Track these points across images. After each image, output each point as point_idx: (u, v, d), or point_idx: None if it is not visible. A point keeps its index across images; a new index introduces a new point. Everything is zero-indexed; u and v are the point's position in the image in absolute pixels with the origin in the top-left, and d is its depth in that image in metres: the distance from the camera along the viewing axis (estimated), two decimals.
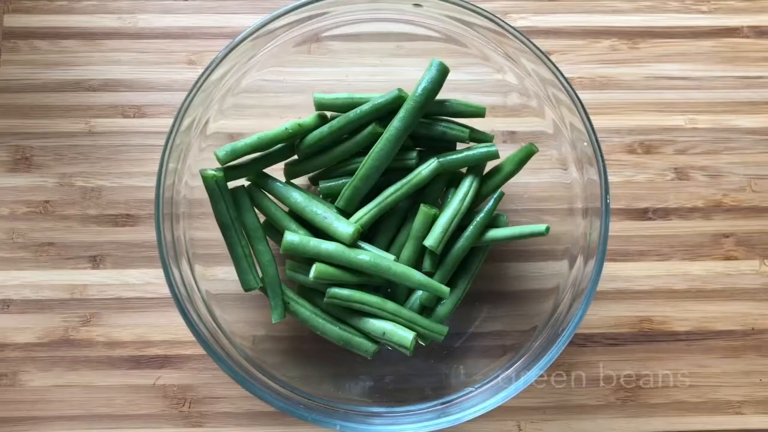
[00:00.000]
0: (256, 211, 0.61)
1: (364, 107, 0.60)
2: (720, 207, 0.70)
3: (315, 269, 0.58)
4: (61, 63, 0.71)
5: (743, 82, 0.72)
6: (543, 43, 0.71)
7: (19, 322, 0.67)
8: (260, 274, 0.60)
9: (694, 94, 0.72)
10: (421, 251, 0.61)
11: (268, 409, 0.66)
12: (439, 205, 0.63)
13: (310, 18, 0.60)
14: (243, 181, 0.62)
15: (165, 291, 0.66)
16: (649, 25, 0.73)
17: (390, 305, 0.60)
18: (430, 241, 0.59)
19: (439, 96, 0.60)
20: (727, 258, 0.69)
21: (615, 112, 0.71)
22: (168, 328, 0.67)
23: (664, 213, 0.70)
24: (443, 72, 0.59)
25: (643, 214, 0.70)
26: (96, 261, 0.68)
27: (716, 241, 0.70)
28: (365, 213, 0.60)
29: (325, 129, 0.61)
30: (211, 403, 0.66)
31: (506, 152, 0.63)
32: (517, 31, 0.57)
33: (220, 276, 0.63)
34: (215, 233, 0.60)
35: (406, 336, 0.58)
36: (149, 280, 0.67)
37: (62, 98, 0.70)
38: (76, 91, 0.70)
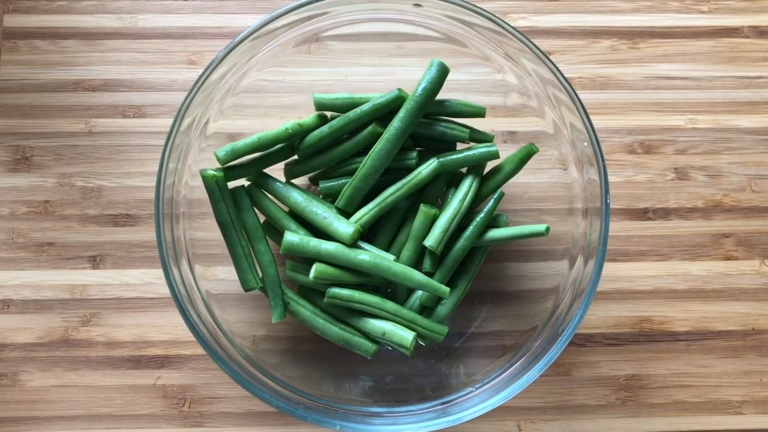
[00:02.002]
0: (256, 211, 0.61)
1: (364, 107, 0.60)
2: (720, 207, 0.70)
3: (315, 269, 0.58)
4: (61, 63, 0.71)
5: (743, 82, 0.72)
6: (543, 43, 0.71)
7: (19, 322, 0.67)
8: (260, 274, 0.60)
9: (694, 94, 0.72)
10: (421, 251, 0.61)
11: (268, 409, 0.66)
12: (439, 205, 0.63)
13: (310, 18, 0.60)
14: (243, 181, 0.62)
15: (165, 291, 0.66)
16: (649, 25, 0.73)
17: (390, 305, 0.60)
18: (430, 241, 0.59)
19: (439, 96, 0.60)
20: (727, 258, 0.69)
21: (615, 112, 0.71)
22: (168, 328, 0.67)
23: (664, 213, 0.70)
24: (443, 72, 0.59)
25: (643, 214, 0.70)
26: (96, 261, 0.68)
27: (716, 241, 0.70)
28: (365, 213, 0.60)
29: (325, 129, 0.61)
30: (211, 403, 0.66)
31: (506, 152, 0.63)
32: (517, 31, 0.57)
33: (220, 276, 0.63)
34: (215, 233, 0.60)
35: (406, 336, 0.58)
36: (149, 280, 0.67)
37: (62, 98, 0.70)
38: (75, 91, 0.70)
